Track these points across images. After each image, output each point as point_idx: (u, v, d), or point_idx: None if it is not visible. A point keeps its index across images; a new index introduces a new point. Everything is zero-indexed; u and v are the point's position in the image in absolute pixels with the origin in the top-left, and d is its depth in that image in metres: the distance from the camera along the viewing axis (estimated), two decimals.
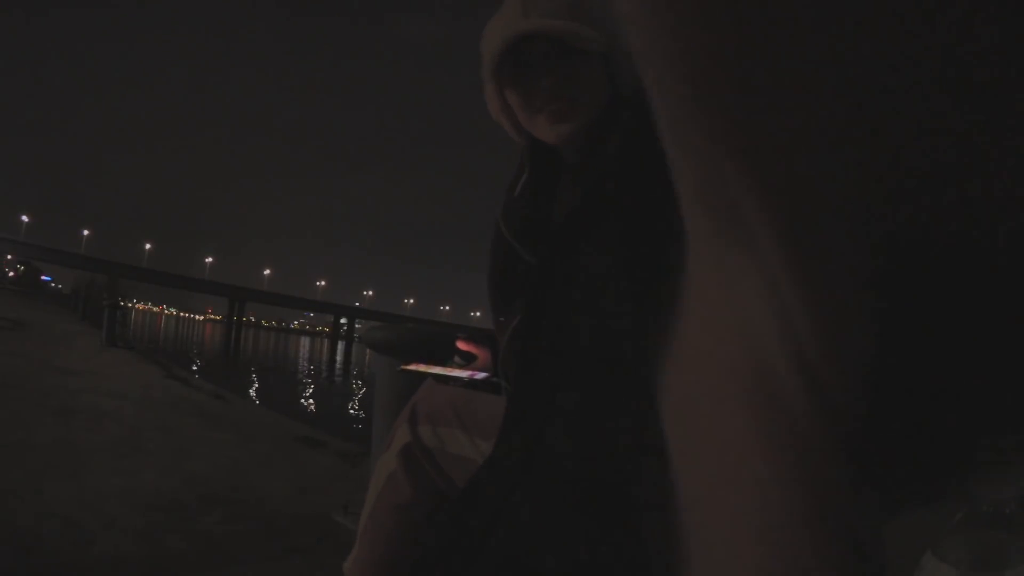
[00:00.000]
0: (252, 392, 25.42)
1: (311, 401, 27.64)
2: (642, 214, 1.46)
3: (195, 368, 29.17)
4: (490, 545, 1.52)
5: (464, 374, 2.14)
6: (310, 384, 36.84)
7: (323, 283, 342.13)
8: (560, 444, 1.53)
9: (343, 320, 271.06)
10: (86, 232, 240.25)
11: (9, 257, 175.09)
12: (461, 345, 2.29)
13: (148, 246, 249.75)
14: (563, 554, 1.45)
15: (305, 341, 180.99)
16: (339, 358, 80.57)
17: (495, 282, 1.96)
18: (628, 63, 1.57)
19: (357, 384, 39.08)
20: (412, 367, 2.21)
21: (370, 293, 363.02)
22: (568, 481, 1.50)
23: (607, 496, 1.46)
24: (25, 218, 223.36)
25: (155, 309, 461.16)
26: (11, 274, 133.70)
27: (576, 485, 1.49)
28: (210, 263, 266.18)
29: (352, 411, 25.19)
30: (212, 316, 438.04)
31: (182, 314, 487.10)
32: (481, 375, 2.07)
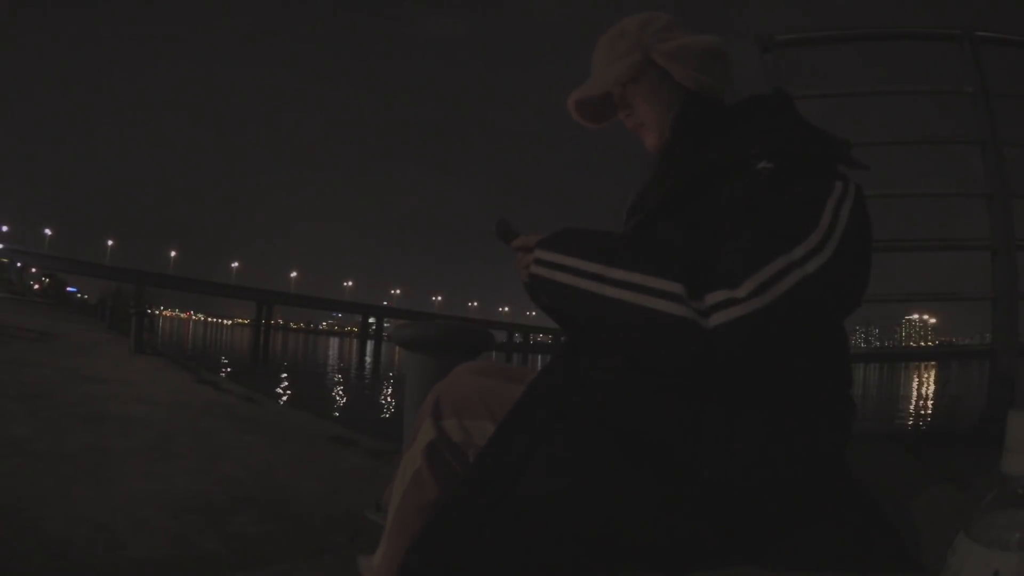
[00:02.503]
0: (282, 394, 25.49)
1: (341, 401, 27.71)
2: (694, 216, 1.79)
3: (224, 372, 29.27)
4: (515, 495, 1.58)
5: None
6: (340, 384, 36.90)
7: (350, 283, 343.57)
8: (597, 393, 1.66)
9: (371, 319, 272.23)
10: (110, 242, 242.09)
11: (34, 270, 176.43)
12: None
13: (173, 253, 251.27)
14: (587, 508, 1.55)
15: (334, 342, 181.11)
16: (368, 357, 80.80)
17: None
18: (674, 63, 1.98)
19: (387, 382, 39.14)
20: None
21: (398, 291, 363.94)
22: (598, 433, 1.61)
23: (634, 451, 1.58)
24: (48, 231, 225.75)
25: (182, 315, 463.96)
26: (36, 287, 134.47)
27: (605, 438, 1.60)
28: (236, 267, 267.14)
29: (383, 409, 25.25)
30: (240, 320, 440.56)
31: (210, 319, 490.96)
32: None
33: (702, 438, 1.53)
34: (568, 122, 2.27)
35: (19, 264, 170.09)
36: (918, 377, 68.48)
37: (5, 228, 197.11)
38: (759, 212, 1.62)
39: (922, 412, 32.74)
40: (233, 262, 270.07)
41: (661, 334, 1.59)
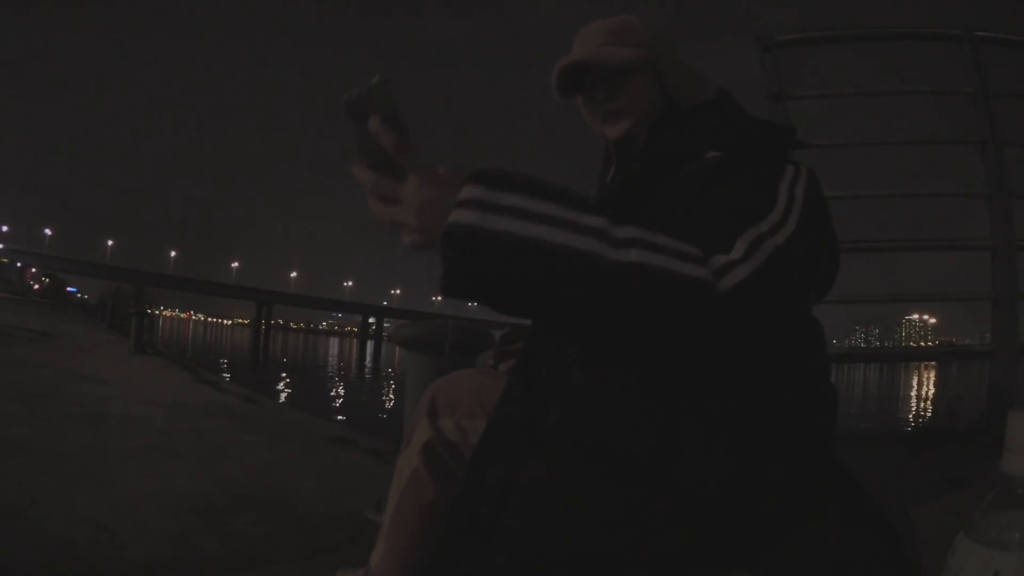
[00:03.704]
0: (282, 394, 25.51)
1: (341, 401, 27.69)
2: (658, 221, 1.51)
3: (224, 372, 29.27)
4: (501, 528, 1.50)
5: None
6: (340, 384, 36.89)
7: (350, 283, 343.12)
8: (567, 414, 1.53)
9: (371, 319, 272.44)
10: (110, 242, 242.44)
11: (34, 270, 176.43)
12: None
13: (173, 253, 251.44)
14: (575, 530, 1.46)
15: (334, 342, 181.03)
16: (368, 357, 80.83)
17: None
18: (674, 73, 1.95)
19: (388, 382, 39.13)
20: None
21: (398, 291, 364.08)
22: (574, 454, 1.50)
23: (615, 468, 1.48)
24: (48, 231, 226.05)
25: (182, 315, 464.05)
26: (36, 287, 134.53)
27: (583, 458, 1.49)
28: (236, 268, 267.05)
29: (383, 409, 25.23)
30: (240, 320, 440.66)
31: (210, 319, 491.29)
32: None
33: (680, 448, 1.45)
34: (568, 123, 2.22)
35: (19, 264, 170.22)
36: (918, 377, 68.55)
37: (5, 228, 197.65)
38: (715, 193, 1.55)
39: (922, 412, 32.74)
40: (233, 262, 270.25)
41: (683, 303, 1.30)
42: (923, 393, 48.92)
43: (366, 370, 55.15)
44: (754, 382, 1.50)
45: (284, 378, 34.37)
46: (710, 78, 2.04)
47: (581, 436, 1.50)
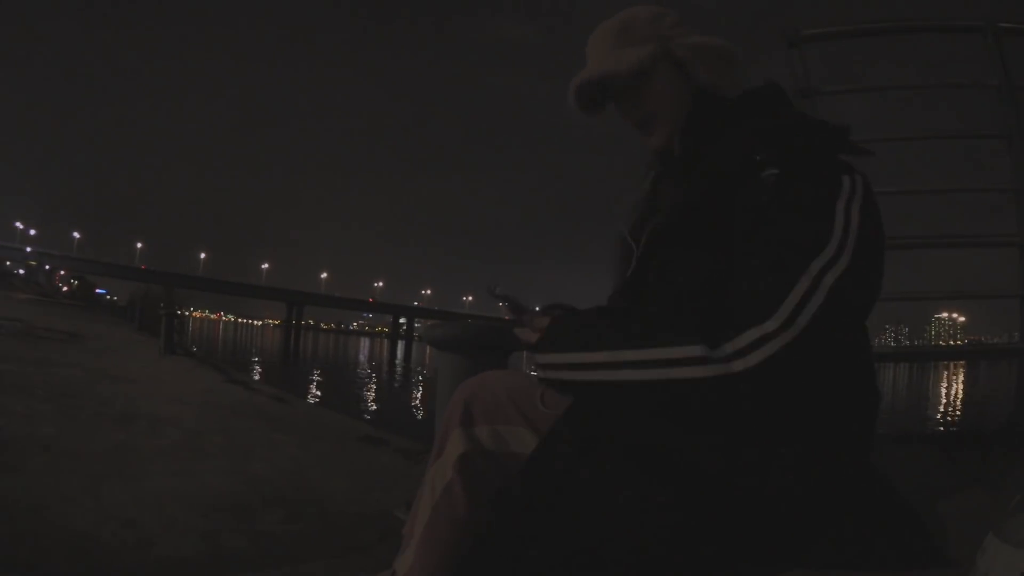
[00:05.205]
0: (313, 393, 25.54)
1: (372, 401, 27.70)
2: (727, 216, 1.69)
3: (255, 372, 29.35)
4: (553, 523, 1.54)
5: None
6: (371, 384, 36.90)
7: (380, 284, 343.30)
8: (625, 419, 1.62)
9: (402, 320, 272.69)
10: (139, 244, 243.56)
11: (62, 272, 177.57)
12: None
13: (203, 255, 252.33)
14: (626, 530, 1.49)
15: (365, 342, 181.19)
16: (399, 357, 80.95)
17: (613, 268, 2.14)
18: (695, 58, 1.88)
19: (418, 382, 39.12)
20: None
21: (428, 292, 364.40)
22: (629, 456, 1.56)
23: (668, 469, 1.53)
24: (76, 234, 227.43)
25: (212, 316, 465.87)
26: (64, 288, 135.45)
27: (637, 460, 1.55)
28: (266, 269, 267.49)
29: (414, 409, 25.20)
30: (271, 321, 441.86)
31: (240, 320, 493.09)
32: None
33: (742, 461, 1.51)
34: (604, 126, 2.16)
35: (47, 267, 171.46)
36: (948, 376, 68.23)
37: (33, 232, 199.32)
38: (772, 226, 1.58)
39: (953, 412, 32.54)
40: (263, 263, 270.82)
41: (688, 399, 1.55)
42: (953, 392, 48.66)
43: (397, 370, 55.15)
44: (811, 399, 1.56)
45: (314, 378, 34.42)
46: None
47: (640, 446, 1.58)
